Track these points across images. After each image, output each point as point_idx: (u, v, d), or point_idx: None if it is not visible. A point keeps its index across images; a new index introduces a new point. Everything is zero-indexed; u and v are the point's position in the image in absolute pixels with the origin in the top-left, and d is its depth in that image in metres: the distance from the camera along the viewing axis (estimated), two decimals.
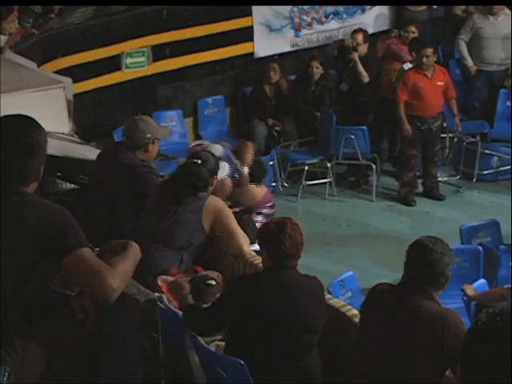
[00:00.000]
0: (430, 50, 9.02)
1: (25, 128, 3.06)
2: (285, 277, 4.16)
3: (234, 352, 4.16)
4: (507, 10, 10.03)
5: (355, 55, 9.33)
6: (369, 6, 10.91)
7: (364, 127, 9.30)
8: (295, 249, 4.15)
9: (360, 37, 9.58)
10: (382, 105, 9.67)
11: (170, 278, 4.77)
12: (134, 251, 3.19)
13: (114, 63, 9.28)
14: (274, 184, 9.46)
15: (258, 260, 4.86)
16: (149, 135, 5.50)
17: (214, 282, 4.70)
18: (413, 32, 9.83)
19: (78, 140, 6.90)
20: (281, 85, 9.81)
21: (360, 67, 9.32)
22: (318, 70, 9.76)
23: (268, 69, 9.79)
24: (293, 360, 4.12)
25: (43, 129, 3.11)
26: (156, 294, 4.08)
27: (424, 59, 8.97)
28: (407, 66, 9.41)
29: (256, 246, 4.78)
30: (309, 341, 4.16)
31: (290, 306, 4.10)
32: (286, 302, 4.10)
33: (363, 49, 9.52)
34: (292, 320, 4.09)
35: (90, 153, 6.16)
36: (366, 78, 9.35)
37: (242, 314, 4.13)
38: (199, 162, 5.06)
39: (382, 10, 11.00)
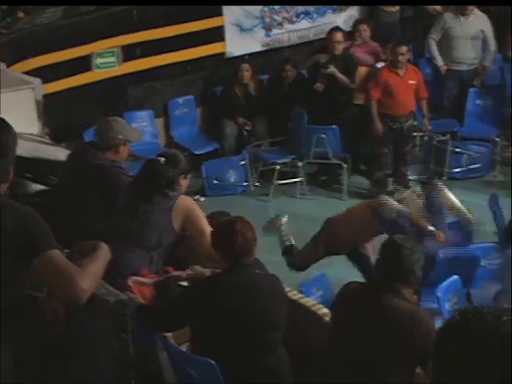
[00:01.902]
0: (404, 48, 9.09)
1: None
2: (244, 276, 4.19)
3: (199, 353, 4.17)
4: (477, 11, 10.11)
5: (332, 69, 9.33)
6: (339, 6, 10.92)
7: (335, 126, 9.31)
8: (248, 246, 4.20)
9: (338, 35, 9.54)
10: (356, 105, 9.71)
11: (140, 279, 4.76)
12: (104, 252, 3.19)
13: (84, 63, 9.25)
14: (245, 184, 9.47)
15: None
16: (121, 136, 5.51)
17: (185, 283, 4.70)
18: (365, 30, 9.90)
19: (47, 141, 6.87)
20: (250, 85, 9.81)
21: (340, 77, 9.34)
22: (291, 73, 9.79)
23: (239, 69, 9.79)
24: (259, 358, 4.14)
25: (13, 129, 3.10)
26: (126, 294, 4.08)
27: (400, 57, 9.02)
28: (380, 64, 9.47)
29: None
30: (273, 338, 4.18)
31: (251, 304, 4.13)
32: (247, 300, 4.13)
33: (341, 47, 9.49)
34: (254, 318, 4.12)
35: (60, 154, 6.15)
36: (350, 85, 9.41)
37: (205, 315, 4.15)
38: (162, 160, 5.05)
39: (353, 12, 11.04)
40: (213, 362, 4.03)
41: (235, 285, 4.17)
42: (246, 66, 9.80)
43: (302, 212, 9.16)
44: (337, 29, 9.75)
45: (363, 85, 9.58)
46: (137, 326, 3.89)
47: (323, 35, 10.09)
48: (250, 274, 4.23)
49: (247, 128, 9.80)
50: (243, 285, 4.17)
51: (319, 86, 9.43)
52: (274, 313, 4.19)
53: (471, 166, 9.63)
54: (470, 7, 9.98)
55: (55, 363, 3.34)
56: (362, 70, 9.66)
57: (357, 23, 10.14)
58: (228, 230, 4.24)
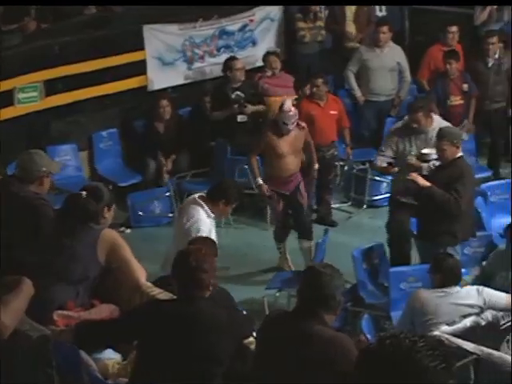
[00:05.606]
0: (319, 81, 9.31)
1: None
2: (191, 308, 4.18)
3: (138, 378, 4.18)
4: (391, 43, 10.41)
5: (248, 108, 9.61)
6: (259, 40, 11.14)
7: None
8: (200, 277, 4.18)
9: (238, 63, 9.87)
10: None
11: (65, 313, 4.77)
12: (27, 288, 3.21)
13: (6, 98, 9.22)
14: (170, 215, 9.50)
15: (155, 291, 4.92)
16: (44, 168, 5.57)
17: None
18: (274, 61, 10.18)
19: None
20: (171, 122, 9.91)
21: (256, 109, 9.63)
22: (209, 104, 9.95)
23: (158, 105, 9.87)
24: None
25: None
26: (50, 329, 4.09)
27: (314, 89, 9.26)
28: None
29: None
30: (213, 371, 4.19)
31: (192, 336, 4.13)
32: (188, 332, 4.13)
33: (241, 74, 9.83)
34: (194, 350, 4.12)
35: None
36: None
37: (145, 337, 4.17)
38: (84, 193, 5.11)
39: (271, 44, 11.27)
40: None
41: (178, 315, 4.16)
42: (164, 102, 9.89)
43: (226, 241, 9.22)
44: (233, 58, 10.10)
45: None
46: (62, 359, 3.90)
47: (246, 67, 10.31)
48: (199, 307, 4.20)
49: (167, 166, 9.87)
50: (187, 316, 4.16)
51: (242, 117, 9.62)
52: (219, 347, 4.17)
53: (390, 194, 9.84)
54: (383, 39, 10.27)
55: None
56: (278, 101, 9.88)
57: (266, 55, 10.39)
58: (181, 260, 4.25)
